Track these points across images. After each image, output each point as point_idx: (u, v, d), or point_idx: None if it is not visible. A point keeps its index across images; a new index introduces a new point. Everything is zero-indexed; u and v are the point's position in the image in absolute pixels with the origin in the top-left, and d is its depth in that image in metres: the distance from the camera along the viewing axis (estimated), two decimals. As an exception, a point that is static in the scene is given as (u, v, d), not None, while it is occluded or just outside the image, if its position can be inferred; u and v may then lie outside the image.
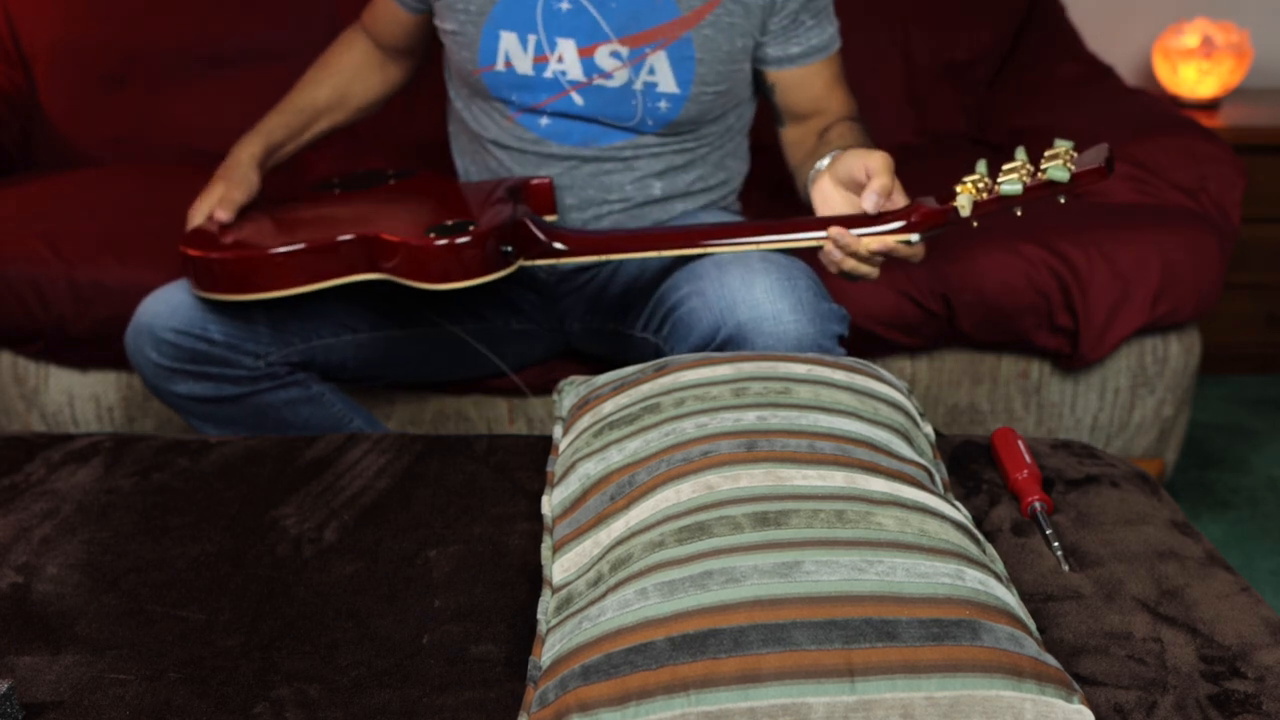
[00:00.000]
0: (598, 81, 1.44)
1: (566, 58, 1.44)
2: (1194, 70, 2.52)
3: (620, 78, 1.44)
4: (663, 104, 1.45)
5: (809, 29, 1.47)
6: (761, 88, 1.54)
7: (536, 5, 1.43)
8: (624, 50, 1.43)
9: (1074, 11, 2.61)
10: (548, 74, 1.45)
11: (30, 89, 2.33)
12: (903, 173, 2.14)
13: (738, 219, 1.55)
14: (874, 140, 1.49)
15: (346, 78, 1.66)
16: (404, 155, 2.21)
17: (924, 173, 2.16)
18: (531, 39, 1.44)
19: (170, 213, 1.95)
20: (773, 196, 2.03)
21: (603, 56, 1.43)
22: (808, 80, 1.50)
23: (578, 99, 1.46)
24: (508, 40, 1.45)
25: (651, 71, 1.44)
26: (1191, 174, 1.93)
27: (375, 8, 1.63)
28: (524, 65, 1.45)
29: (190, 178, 2.17)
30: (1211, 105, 2.55)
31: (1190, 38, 2.54)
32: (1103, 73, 2.34)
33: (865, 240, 1.26)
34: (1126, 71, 2.72)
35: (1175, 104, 2.55)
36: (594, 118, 1.47)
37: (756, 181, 1.76)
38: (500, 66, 1.46)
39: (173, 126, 2.31)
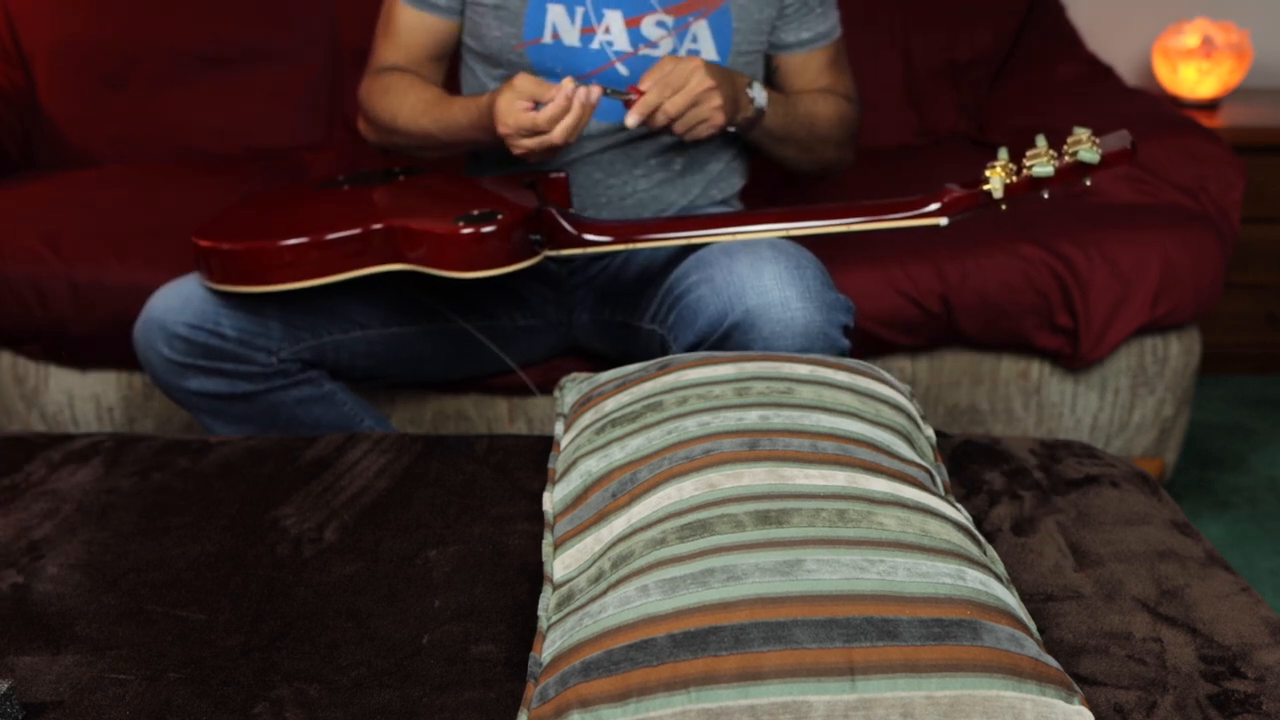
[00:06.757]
0: (644, 51, 1.48)
1: (614, 29, 1.47)
2: (1194, 70, 2.52)
3: (665, 46, 1.48)
4: None
5: (819, 16, 1.56)
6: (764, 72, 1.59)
7: None
8: (669, 20, 1.47)
9: (1074, 11, 2.61)
10: (594, 45, 1.48)
11: (30, 89, 2.33)
12: (903, 173, 2.17)
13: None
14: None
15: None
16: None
17: (924, 173, 2.17)
18: (579, 10, 1.47)
19: (170, 213, 1.95)
20: (773, 197, 2.04)
21: (649, 26, 1.47)
22: (808, 64, 1.58)
23: (623, 69, 1.48)
24: (555, 13, 1.47)
25: (694, 40, 1.49)
26: (1191, 174, 1.93)
27: (397, 33, 1.56)
28: (571, 37, 1.48)
29: (190, 178, 2.18)
30: (1211, 105, 2.55)
31: (1190, 38, 2.54)
32: (1102, 73, 2.34)
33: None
34: (1126, 71, 2.72)
35: (1175, 104, 2.55)
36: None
37: (757, 182, 1.77)
38: (547, 39, 1.48)
39: (173, 126, 2.31)
